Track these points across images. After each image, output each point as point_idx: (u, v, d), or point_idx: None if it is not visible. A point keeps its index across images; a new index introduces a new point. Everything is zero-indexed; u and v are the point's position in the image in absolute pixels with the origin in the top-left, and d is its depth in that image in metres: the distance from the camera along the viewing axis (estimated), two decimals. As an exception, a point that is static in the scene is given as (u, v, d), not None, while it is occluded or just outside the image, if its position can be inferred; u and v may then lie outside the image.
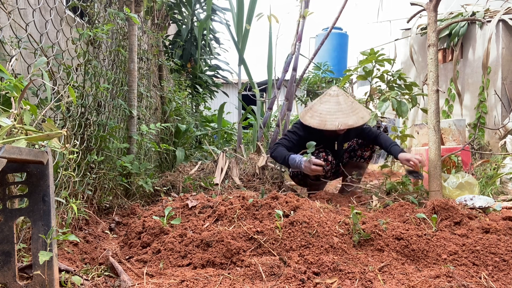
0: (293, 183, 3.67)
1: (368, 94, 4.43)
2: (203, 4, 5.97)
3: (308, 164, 2.74)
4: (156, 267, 1.62)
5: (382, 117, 7.27)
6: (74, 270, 1.45)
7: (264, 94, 10.20)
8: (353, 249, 1.74)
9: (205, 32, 5.38)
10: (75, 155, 1.97)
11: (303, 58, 4.67)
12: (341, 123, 2.88)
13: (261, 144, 4.35)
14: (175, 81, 5.02)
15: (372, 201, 2.85)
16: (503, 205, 2.57)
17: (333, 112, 2.96)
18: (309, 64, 4.53)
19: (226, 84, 9.72)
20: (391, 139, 3.16)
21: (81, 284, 1.36)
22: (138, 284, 1.43)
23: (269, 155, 3.44)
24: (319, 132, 3.06)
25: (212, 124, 6.62)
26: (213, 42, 6.53)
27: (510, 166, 3.40)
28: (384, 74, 4.04)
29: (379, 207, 2.58)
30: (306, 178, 3.18)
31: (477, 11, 4.85)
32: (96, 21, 2.41)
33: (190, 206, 2.17)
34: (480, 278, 1.44)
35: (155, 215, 2.11)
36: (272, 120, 6.56)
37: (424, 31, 5.36)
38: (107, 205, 2.50)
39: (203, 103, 6.77)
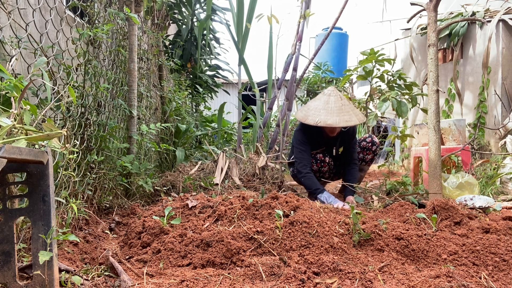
0: (293, 183, 3.67)
1: (368, 94, 4.43)
2: (203, 4, 5.96)
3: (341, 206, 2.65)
4: (156, 267, 1.62)
5: (382, 117, 7.27)
6: (74, 270, 1.45)
7: (264, 94, 10.20)
8: (353, 249, 1.74)
9: (205, 32, 5.38)
10: (75, 155, 1.97)
11: (303, 58, 4.67)
12: (320, 121, 2.89)
13: (261, 145, 4.34)
14: (175, 81, 5.02)
15: (372, 201, 2.85)
16: (503, 205, 2.57)
17: (318, 109, 2.98)
18: (309, 64, 4.52)
19: (226, 84, 9.72)
20: (355, 178, 3.14)
21: (81, 284, 1.36)
22: (138, 284, 1.43)
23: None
24: (319, 136, 3.08)
25: (212, 124, 6.62)
26: (213, 42, 6.53)
27: (510, 166, 3.40)
28: (384, 74, 4.04)
29: (379, 207, 2.58)
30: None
31: (477, 11, 4.84)
32: (96, 21, 2.41)
33: (190, 206, 2.17)
34: (480, 278, 1.44)
35: (155, 215, 2.11)
36: (272, 120, 6.56)
37: (424, 31, 5.35)
38: (107, 205, 2.50)
39: (203, 103, 6.77)
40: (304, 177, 2.96)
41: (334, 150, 3.26)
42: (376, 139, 3.38)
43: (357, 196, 2.89)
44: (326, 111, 2.94)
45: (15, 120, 1.17)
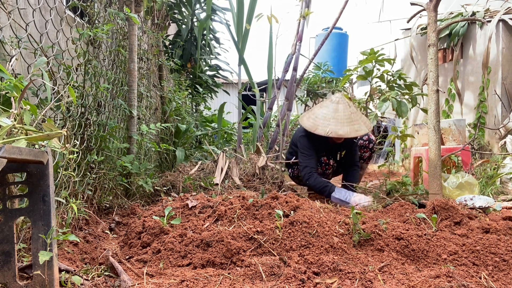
0: (293, 183, 3.67)
1: (368, 94, 4.43)
2: (203, 4, 5.96)
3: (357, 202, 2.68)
4: (156, 267, 1.62)
5: (382, 117, 7.27)
6: (74, 270, 1.45)
7: (264, 94, 10.20)
8: (353, 249, 1.74)
9: (205, 32, 5.38)
10: (75, 155, 1.97)
11: (304, 58, 4.67)
12: (331, 131, 2.84)
13: (261, 144, 4.34)
14: (175, 81, 5.02)
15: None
16: (503, 205, 2.57)
17: (328, 118, 2.92)
18: (309, 64, 4.52)
19: (226, 84, 9.72)
20: (356, 179, 3.15)
21: (81, 284, 1.36)
22: (138, 284, 1.43)
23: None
24: (324, 141, 3.07)
25: (212, 124, 6.62)
26: (213, 42, 6.53)
27: (510, 166, 3.40)
28: (384, 74, 4.04)
29: (378, 207, 2.58)
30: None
31: (477, 11, 4.84)
32: (96, 21, 2.41)
33: (190, 206, 2.17)
34: (480, 278, 1.44)
35: (155, 215, 2.11)
36: (272, 120, 6.56)
37: (424, 31, 5.35)
38: (107, 205, 2.50)
39: (203, 103, 6.77)
40: (309, 179, 2.92)
41: (338, 155, 3.26)
42: (372, 137, 3.38)
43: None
44: (335, 120, 2.89)
45: (15, 120, 1.17)
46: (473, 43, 4.90)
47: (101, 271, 1.53)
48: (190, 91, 5.76)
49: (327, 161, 3.15)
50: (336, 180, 3.93)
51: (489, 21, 4.58)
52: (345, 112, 2.92)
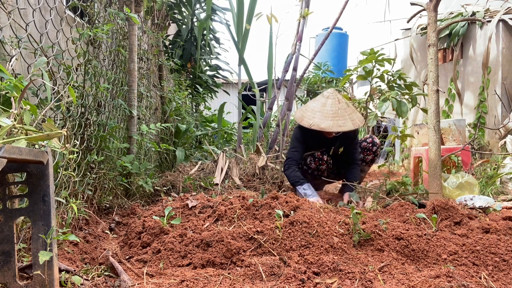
0: (293, 183, 3.67)
1: (368, 94, 4.43)
2: (203, 4, 5.97)
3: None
4: (156, 267, 1.62)
5: (382, 117, 7.27)
6: (74, 270, 1.45)
7: (264, 94, 10.19)
8: (353, 249, 1.74)
9: (205, 32, 5.38)
10: (75, 155, 1.97)
11: (304, 58, 4.67)
12: (314, 124, 2.91)
13: (261, 144, 4.34)
14: (175, 81, 5.02)
15: (369, 201, 2.85)
16: (503, 205, 2.57)
17: (314, 111, 2.99)
18: (309, 64, 4.52)
19: (226, 84, 9.72)
20: (356, 177, 3.13)
21: (81, 284, 1.36)
22: (138, 284, 1.43)
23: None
24: (316, 136, 3.08)
25: (212, 124, 6.62)
26: (213, 42, 6.53)
27: (510, 166, 3.40)
28: (384, 74, 4.03)
29: (378, 207, 2.58)
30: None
31: (477, 11, 4.85)
32: (96, 21, 2.41)
33: (190, 206, 2.17)
34: (480, 278, 1.44)
35: (155, 215, 2.11)
36: (272, 120, 6.56)
37: (424, 31, 5.35)
38: (107, 205, 2.50)
39: (203, 103, 6.77)
40: (287, 170, 3.01)
41: (332, 150, 3.25)
42: (376, 140, 3.36)
43: (354, 194, 2.88)
44: (321, 114, 2.94)
45: (15, 120, 1.17)
46: (473, 43, 4.90)
47: (101, 271, 1.53)
48: (190, 91, 5.76)
49: (321, 156, 3.15)
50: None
51: (489, 21, 4.58)
52: (332, 107, 2.97)
